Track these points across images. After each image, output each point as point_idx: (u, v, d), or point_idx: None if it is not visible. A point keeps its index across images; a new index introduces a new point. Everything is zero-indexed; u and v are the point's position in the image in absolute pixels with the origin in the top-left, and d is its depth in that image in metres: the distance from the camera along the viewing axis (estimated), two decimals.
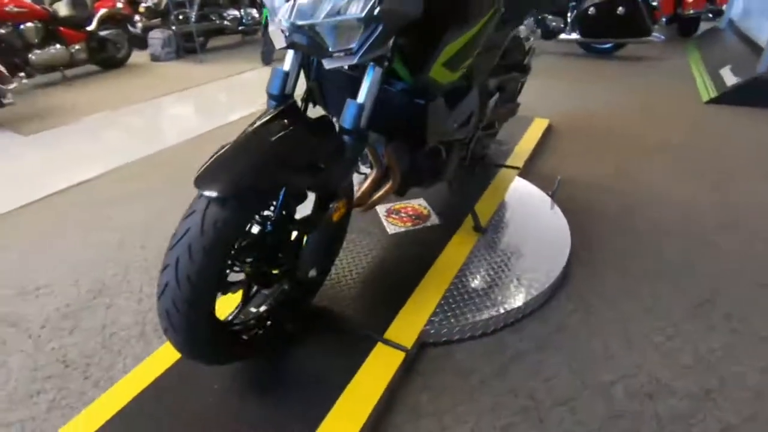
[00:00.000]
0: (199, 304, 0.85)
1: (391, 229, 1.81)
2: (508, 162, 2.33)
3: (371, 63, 0.93)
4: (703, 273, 1.59)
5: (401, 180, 1.42)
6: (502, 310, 1.37)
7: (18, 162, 2.89)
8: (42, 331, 1.47)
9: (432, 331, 1.31)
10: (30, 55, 4.34)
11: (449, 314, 1.35)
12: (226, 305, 1.26)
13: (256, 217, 1.01)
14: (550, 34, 4.77)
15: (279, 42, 0.92)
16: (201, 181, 0.82)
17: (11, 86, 3.48)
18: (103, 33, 4.99)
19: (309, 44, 0.85)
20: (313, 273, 1.09)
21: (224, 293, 1.06)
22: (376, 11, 0.79)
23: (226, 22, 6.03)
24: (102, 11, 4.96)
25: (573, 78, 4.17)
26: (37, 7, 4.44)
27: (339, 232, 1.36)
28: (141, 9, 5.78)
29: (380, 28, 0.82)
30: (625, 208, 2.01)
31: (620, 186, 2.20)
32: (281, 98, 1.03)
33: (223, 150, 0.88)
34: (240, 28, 6.20)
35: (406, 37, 0.99)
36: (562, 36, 4.73)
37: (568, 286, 1.54)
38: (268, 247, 1.04)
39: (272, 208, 1.02)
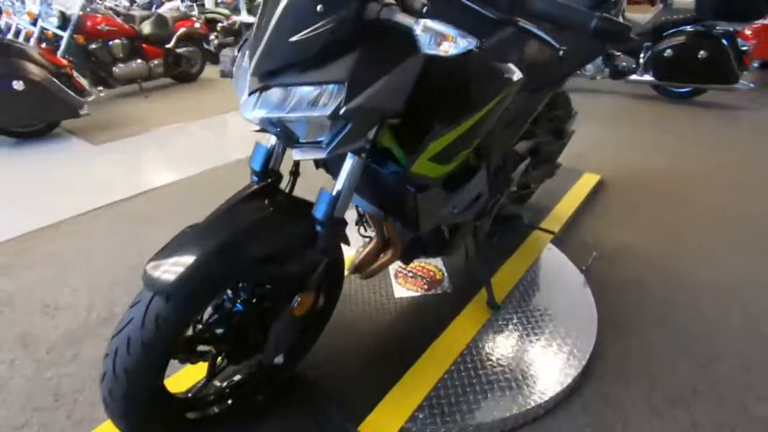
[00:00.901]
0: (136, 396, 0.82)
1: (398, 291, 1.71)
2: (544, 224, 2.14)
3: (350, 152, 0.86)
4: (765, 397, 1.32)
5: (403, 252, 1.33)
6: (497, 416, 1.21)
7: (83, 171, 3.15)
8: (47, 356, 1.53)
9: (413, 430, 1.19)
10: (114, 69, 4.77)
11: (436, 411, 1.23)
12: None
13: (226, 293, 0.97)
14: (619, 74, 4.44)
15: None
16: (148, 271, 0.79)
17: (89, 98, 3.82)
18: (180, 50, 5.39)
19: (278, 133, 0.79)
20: (279, 360, 1.02)
21: (193, 363, 1.02)
22: (342, 110, 0.72)
23: None
24: (181, 30, 5.36)
25: (640, 125, 3.83)
26: (126, 26, 4.89)
27: (315, 322, 1.29)
28: (218, 28, 6.18)
29: (349, 126, 0.75)
30: (674, 296, 1.75)
31: (674, 267, 1.92)
32: (264, 174, 0.99)
33: (179, 236, 0.84)
34: None
35: (401, 118, 0.91)
36: (633, 77, 4.38)
37: (584, 392, 1.35)
38: (234, 325, 0.99)
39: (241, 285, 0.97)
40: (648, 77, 4.31)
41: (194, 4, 6.00)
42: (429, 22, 0.69)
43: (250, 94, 0.75)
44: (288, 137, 0.79)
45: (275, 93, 0.74)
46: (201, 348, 1.01)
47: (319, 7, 0.71)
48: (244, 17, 5.73)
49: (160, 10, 5.69)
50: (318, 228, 0.91)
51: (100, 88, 4.45)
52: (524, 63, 1.26)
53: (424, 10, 0.75)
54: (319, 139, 0.77)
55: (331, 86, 0.72)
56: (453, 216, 1.19)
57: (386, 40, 0.75)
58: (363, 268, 1.34)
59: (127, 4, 6.33)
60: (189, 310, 0.82)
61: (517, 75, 0.96)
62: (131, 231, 2.32)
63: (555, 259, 1.91)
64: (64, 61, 3.74)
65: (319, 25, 0.71)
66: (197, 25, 5.52)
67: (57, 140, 3.73)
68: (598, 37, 0.74)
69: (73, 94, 3.60)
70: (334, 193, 0.89)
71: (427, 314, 1.60)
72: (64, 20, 4.34)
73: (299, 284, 0.95)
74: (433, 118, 0.88)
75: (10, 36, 4.55)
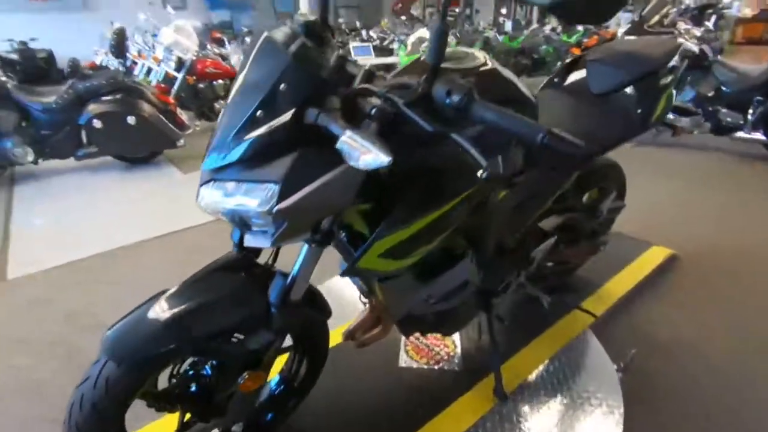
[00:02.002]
0: None
1: (403, 360, 1.64)
2: (586, 303, 1.92)
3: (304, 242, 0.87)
4: None
5: (398, 325, 1.29)
6: None
7: (167, 197, 3.57)
8: (52, 393, 1.62)
9: None
10: (216, 104, 5.42)
11: None
12: None
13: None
14: (723, 129, 3.92)
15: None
16: (105, 336, 0.87)
17: (187, 132, 4.36)
18: None
19: (232, 220, 0.83)
20: (237, 429, 1.04)
21: (170, 412, 1.08)
22: (274, 209, 0.74)
23: None
24: None
25: (740, 191, 3.31)
26: (229, 67, 5.56)
27: (297, 389, 1.29)
28: None
29: (285, 223, 0.76)
30: (727, 414, 1.44)
31: (736, 375, 1.60)
32: (241, 245, 1.03)
33: (146, 302, 0.91)
34: None
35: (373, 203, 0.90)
36: (740, 134, 3.84)
37: None
38: (201, 385, 1.03)
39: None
40: (758, 135, 3.74)
41: None
42: (351, 134, 0.69)
43: (201, 185, 0.81)
44: (241, 224, 0.83)
45: (222, 186, 0.78)
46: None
47: (259, 113, 0.75)
48: None
49: None
50: (272, 309, 0.92)
51: (198, 122, 5.07)
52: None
53: (372, 113, 0.75)
54: (265, 229, 0.80)
55: (268, 185, 0.74)
56: (430, 306, 1.13)
57: (328, 141, 0.76)
58: (355, 335, 1.32)
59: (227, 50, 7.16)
60: (139, 377, 0.88)
61: (493, 172, 0.89)
62: (207, 256, 2.55)
63: (588, 348, 1.70)
64: (171, 100, 4.34)
65: (257, 128, 0.75)
66: None
67: (157, 166, 4.29)
68: (547, 151, 0.68)
69: (174, 128, 4.14)
70: (289, 279, 0.91)
71: (428, 393, 1.51)
72: (180, 64, 5.07)
73: (251, 362, 0.97)
74: (386, 213, 0.87)
75: (142, 74, 5.45)
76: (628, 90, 1.41)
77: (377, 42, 6.98)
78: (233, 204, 0.77)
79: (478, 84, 0.98)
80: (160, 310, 0.88)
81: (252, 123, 0.75)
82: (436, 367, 1.62)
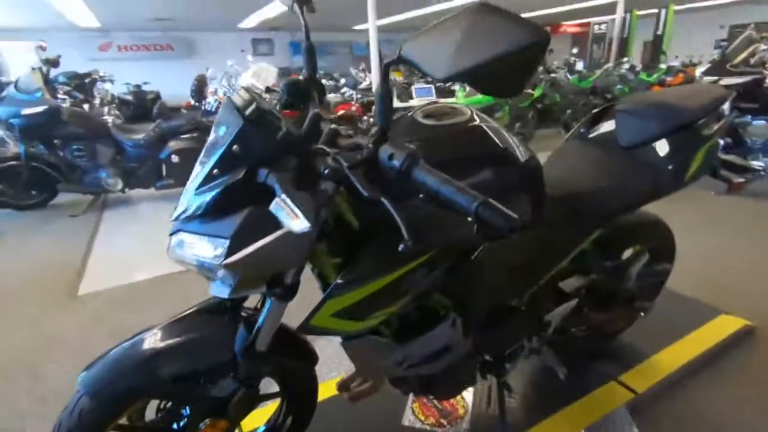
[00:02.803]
0: None
1: (408, 418, 1.55)
2: (626, 377, 1.70)
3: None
4: None
5: (391, 382, 1.23)
6: None
7: None
8: None
9: None
10: None
11: None
12: None
13: None
14: None
15: None
16: (84, 370, 0.93)
17: None
18: (339, 126, 6.29)
19: (199, 268, 0.86)
20: None
21: None
22: (222, 263, 0.76)
23: None
24: (340, 111, 6.27)
25: None
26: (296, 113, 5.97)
27: None
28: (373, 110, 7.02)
29: (237, 276, 0.78)
30: None
31: None
32: None
33: (127, 339, 0.96)
34: None
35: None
36: None
37: None
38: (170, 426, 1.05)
39: None
40: None
41: (354, 92, 6.97)
42: (284, 198, 0.69)
43: (170, 235, 0.86)
44: (206, 273, 0.86)
45: (184, 237, 0.82)
46: None
47: (215, 170, 0.79)
48: (395, 103, 6.37)
49: (328, 97, 6.78)
50: (238, 358, 0.93)
51: None
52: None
53: (325, 173, 0.76)
54: (224, 280, 0.82)
55: (220, 239, 0.77)
56: (407, 369, 1.06)
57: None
58: (346, 388, 1.28)
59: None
60: (109, 410, 0.93)
61: (411, 247, 0.82)
62: None
63: (621, 430, 1.48)
64: None
65: (213, 184, 0.79)
66: (354, 108, 6.38)
67: None
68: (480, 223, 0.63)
69: None
70: (255, 329, 0.92)
71: None
72: None
73: (217, 409, 0.97)
74: (341, 271, 0.85)
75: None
76: (661, 143, 1.28)
77: (441, 83, 7.12)
78: (192, 254, 0.81)
79: (459, 141, 0.95)
80: (135, 349, 0.93)
81: (210, 179, 0.79)
82: (441, 429, 1.51)
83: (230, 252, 0.76)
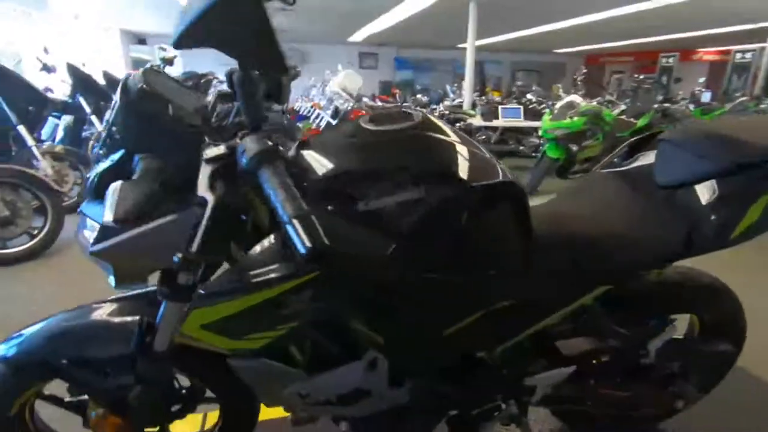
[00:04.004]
0: None
1: None
2: None
3: None
4: None
5: None
6: None
7: None
8: None
9: None
10: None
11: None
12: None
13: None
14: None
15: None
16: (9, 337, 0.95)
17: None
18: None
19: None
20: None
21: None
22: (89, 251, 0.73)
23: (521, 147, 6.25)
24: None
25: None
26: None
27: None
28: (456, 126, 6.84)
29: (111, 267, 0.74)
30: None
31: None
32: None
33: (49, 317, 0.98)
34: (533, 153, 6.28)
35: None
36: None
37: None
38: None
39: None
40: None
41: (437, 106, 6.85)
42: (118, 185, 0.64)
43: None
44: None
45: (82, 219, 0.81)
46: None
47: (101, 151, 0.76)
48: (477, 121, 6.11)
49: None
50: (138, 356, 0.89)
51: None
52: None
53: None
54: (108, 270, 0.79)
55: (96, 224, 0.74)
56: (312, 407, 0.92)
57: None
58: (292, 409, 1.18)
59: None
60: (21, 380, 0.94)
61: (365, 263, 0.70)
62: None
63: None
64: None
65: (100, 166, 0.76)
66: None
67: None
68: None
69: None
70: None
71: None
72: (336, 112, 5.76)
73: (115, 403, 0.94)
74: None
75: (316, 121, 6.37)
76: (707, 185, 0.98)
77: (535, 105, 6.68)
78: (80, 237, 0.79)
79: (393, 150, 0.82)
80: (51, 323, 0.94)
81: (98, 160, 0.77)
82: None
83: (97, 240, 0.72)
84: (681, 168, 1.01)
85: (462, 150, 0.84)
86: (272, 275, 0.76)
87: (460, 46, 13.56)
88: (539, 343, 1.11)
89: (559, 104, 4.91)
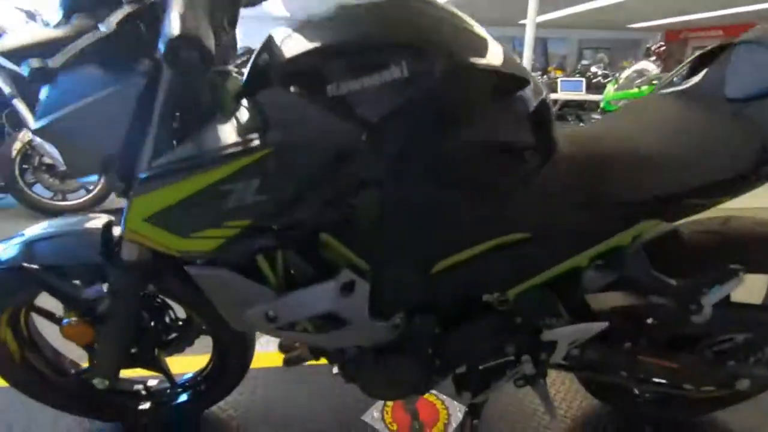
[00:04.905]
0: None
1: (370, 416, 1.30)
2: None
3: None
4: None
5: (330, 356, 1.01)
6: None
7: None
8: None
9: None
10: None
11: None
12: None
13: None
14: None
15: None
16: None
17: None
18: None
19: None
20: (102, 384, 0.98)
21: None
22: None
23: (581, 124, 5.78)
24: None
25: None
26: None
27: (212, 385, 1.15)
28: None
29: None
30: None
31: None
32: None
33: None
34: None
35: None
36: None
37: None
38: None
39: None
40: None
41: None
42: None
43: None
44: None
45: None
46: None
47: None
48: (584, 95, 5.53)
49: None
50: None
51: None
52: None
53: None
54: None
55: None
56: (279, 332, 0.81)
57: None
58: (285, 349, 1.11)
59: None
60: (11, 285, 0.94)
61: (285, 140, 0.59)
62: None
63: None
64: None
65: None
66: None
67: None
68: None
69: None
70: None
71: None
72: None
73: (87, 313, 0.90)
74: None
75: None
76: None
77: (599, 78, 6.11)
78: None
79: (385, 18, 0.69)
80: (33, 232, 0.92)
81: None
82: None
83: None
84: (760, 75, 0.79)
85: (460, 25, 0.69)
86: (206, 157, 0.66)
87: (521, 22, 12.77)
88: (562, 291, 0.94)
89: (626, 72, 4.43)
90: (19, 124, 3.17)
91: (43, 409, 1.13)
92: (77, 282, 0.92)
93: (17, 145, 3.07)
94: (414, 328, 0.87)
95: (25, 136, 3.13)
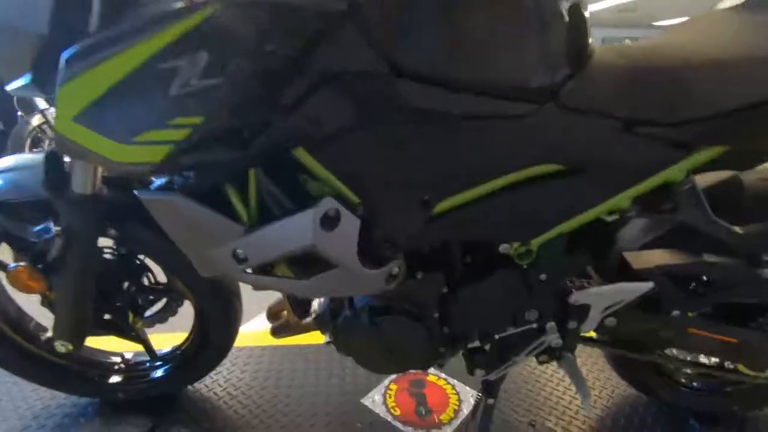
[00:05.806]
0: None
1: (371, 399, 1.15)
2: None
3: None
4: None
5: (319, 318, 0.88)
6: None
7: None
8: None
9: None
10: None
11: None
12: None
13: None
14: None
15: None
16: None
17: None
18: None
19: None
20: (63, 348, 0.87)
21: None
22: None
23: None
24: None
25: None
26: None
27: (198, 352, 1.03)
28: None
29: None
30: None
31: None
32: None
33: None
34: None
35: None
36: None
37: None
38: None
39: None
40: None
41: None
42: None
43: None
44: None
45: None
46: None
47: None
48: None
49: None
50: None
51: None
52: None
53: None
54: None
55: None
56: (251, 276, 0.67)
57: None
58: (274, 317, 0.98)
59: None
60: None
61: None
62: None
63: None
64: None
65: None
66: None
67: None
68: None
69: None
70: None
71: None
72: None
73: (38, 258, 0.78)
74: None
75: None
76: None
77: None
78: None
79: None
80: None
81: None
82: (399, 426, 1.07)
83: None
84: None
85: None
86: (138, 25, 0.51)
87: None
88: (597, 244, 0.78)
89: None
90: (31, 108, 3.16)
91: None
92: (27, 223, 0.81)
93: (28, 128, 3.06)
94: (415, 284, 0.72)
95: (36, 119, 3.12)
